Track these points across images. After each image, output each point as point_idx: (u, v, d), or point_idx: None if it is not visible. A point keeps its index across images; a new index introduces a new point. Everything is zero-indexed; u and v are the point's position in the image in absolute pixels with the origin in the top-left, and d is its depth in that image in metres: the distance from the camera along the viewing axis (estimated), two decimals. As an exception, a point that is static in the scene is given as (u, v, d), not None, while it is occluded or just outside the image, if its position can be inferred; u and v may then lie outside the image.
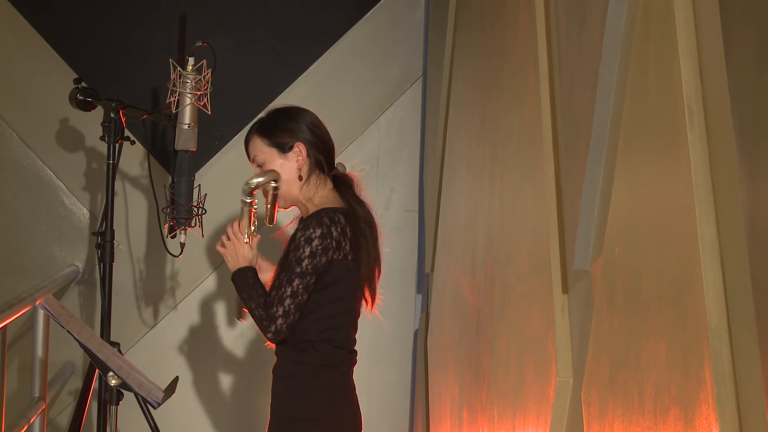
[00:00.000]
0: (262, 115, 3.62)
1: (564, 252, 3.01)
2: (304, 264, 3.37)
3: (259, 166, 3.54)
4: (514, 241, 3.46)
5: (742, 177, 1.86)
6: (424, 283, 5.47)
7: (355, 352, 3.55)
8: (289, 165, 3.51)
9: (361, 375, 3.68)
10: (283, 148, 3.52)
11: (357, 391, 3.58)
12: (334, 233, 3.40)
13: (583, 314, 2.80)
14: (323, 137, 3.58)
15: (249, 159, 3.59)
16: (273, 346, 3.52)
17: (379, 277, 3.58)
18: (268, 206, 3.52)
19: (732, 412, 1.91)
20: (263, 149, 3.53)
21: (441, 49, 5.02)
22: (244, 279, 3.46)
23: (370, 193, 5.49)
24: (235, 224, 3.53)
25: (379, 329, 5.41)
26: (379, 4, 5.51)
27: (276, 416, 3.51)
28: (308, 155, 3.52)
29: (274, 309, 3.37)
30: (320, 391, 3.44)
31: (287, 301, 3.37)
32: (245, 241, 3.49)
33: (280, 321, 3.37)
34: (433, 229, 5.03)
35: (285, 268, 3.39)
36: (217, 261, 5.35)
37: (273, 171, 3.49)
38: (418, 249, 5.54)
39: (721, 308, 1.97)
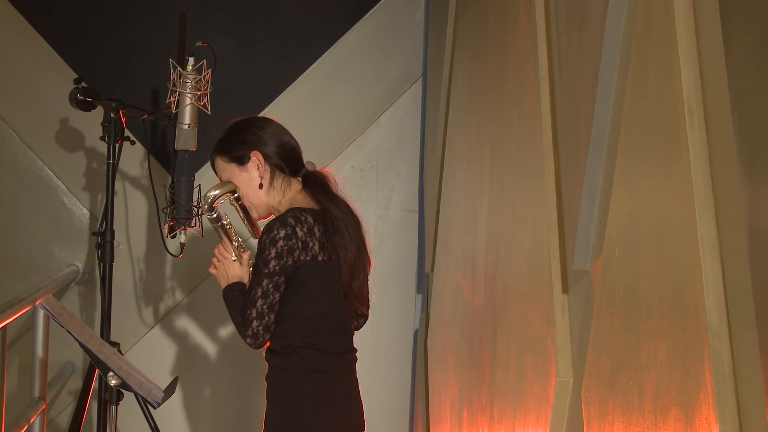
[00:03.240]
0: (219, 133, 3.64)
1: (564, 252, 3.01)
2: (270, 265, 3.36)
3: None
4: (514, 241, 3.45)
5: (742, 177, 1.86)
6: (424, 283, 5.47)
7: (350, 352, 3.52)
8: (250, 175, 3.53)
9: (361, 375, 3.67)
10: (242, 161, 3.54)
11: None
12: (300, 233, 3.39)
13: (583, 314, 2.80)
14: (281, 141, 3.56)
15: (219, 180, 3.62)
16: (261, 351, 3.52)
17: (369, 269, 3.56)
18: (245, 221, 3.57)
19: (732, 412, 1.91)
20: (224, 167, 3.57)
21: (441, 49, 5.02)
22: (230, 294, 3.47)
23: (370, 192, 5.52)
24: (220, 245, 3.55)
25: (379, 329, 5.41)
26: (379, 4, 5.51)
27: (266, 423, 3.50)
28: (266, 161, 3.52)
29: (248, 312, 3.37)
30: (305, 397, 3.41)
31: (258, 302, 3.36)
32: (233, 259, 3.52)
33: (255, 324, 3.36)
34: (433, 229, 5.03)
35: (254, 271, 3.40)
36: (217, 261, 5.35)
37: (228, 183, 3.53)
38: (418, 249, 5.54)
39: (721, 308, 1.97)
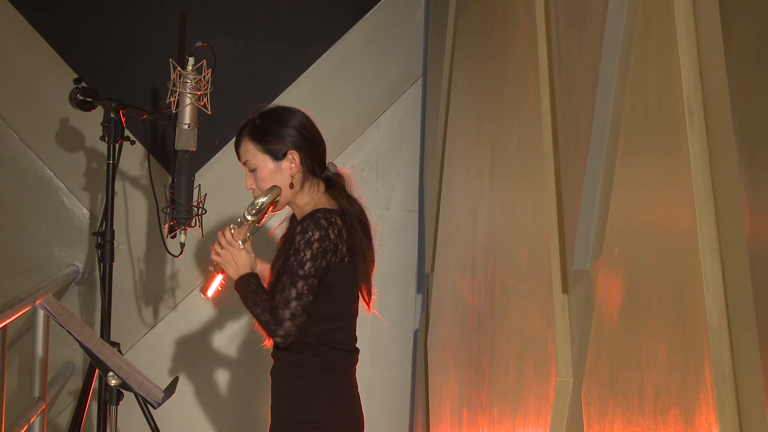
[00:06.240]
0: (254, 116, 3.57)
1: (564, 252, 3.01)
2: (306, 267, 3.36)
3: (251, 170, 3.51)
4: (514, 241, 3.46)
5: (742, 177, 1.86)
6: (424, 283, 5.47)
7: (356, 351, 3.55)
8: (282, 173, 3.49)
9: (361, 375, 3.68)
10: (277, 156, 3.49)
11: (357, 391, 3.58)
12: (332, 235, 3.40)
13: (583, 314, 2.80)
14: (315, 141, 3.54)
15: (239, 160, 3.55)
16: (269, 346, 3.52)
17: (372, 271, 3.57)
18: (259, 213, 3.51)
19: (732, 412, 1.91)
20: (255, 155, 3.49)
21: (441, 49, 5.02)
22: (247, 286, 3.44)
23: (370, 192, 5.52)
24: (227, 232, 3.49)
25: (379, 329, 5.41)
26: (379, 4, 5.51)
27: (276, 419, 3.51)
28: (301, 163, 3.49)
29: (281, 312, 3.36)
30: (319, 393, 3.44)
31: (293, 303, 3.36)
32: (240, 247, 3.47)
33: (288, 324, 3.36)
34: (433, 229, 5.03)
35: (287, 271, 3.38)
36: (217, 261, 5.34)
37: (275, 188, 3.45)
38: (418, 249, 5.54)
39: (721, 308, 1.97)
